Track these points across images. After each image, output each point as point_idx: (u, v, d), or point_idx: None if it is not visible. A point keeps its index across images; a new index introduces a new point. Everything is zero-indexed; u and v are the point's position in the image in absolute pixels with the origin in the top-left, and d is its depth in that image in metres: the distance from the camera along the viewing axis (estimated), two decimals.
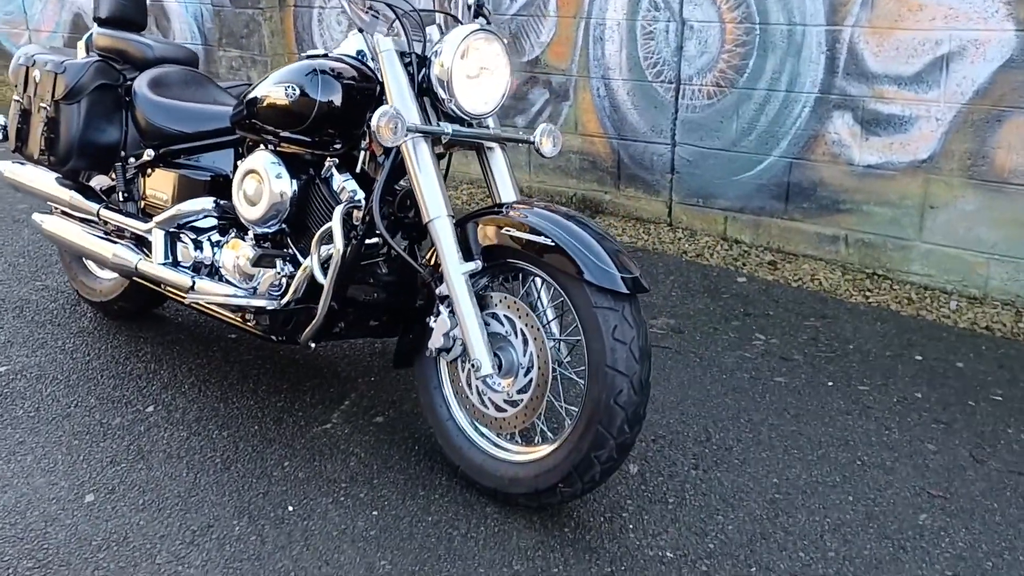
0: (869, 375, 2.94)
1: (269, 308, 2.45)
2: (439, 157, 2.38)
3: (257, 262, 2.48)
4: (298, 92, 2.38)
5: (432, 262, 2.31)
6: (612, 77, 4.33)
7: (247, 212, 2.55)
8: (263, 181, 2.49)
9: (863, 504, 2.29)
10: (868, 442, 2.57)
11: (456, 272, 2.18)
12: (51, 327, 3.29)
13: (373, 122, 2.13)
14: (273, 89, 2.45)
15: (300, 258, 2.54)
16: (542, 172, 4.72)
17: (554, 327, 2.31)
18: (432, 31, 2.38)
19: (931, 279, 3.59)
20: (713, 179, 4.09)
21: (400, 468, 2.44)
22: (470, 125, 2.36)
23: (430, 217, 2.22)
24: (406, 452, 2.52)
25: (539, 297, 2.33)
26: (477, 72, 2.29)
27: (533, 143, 2.48)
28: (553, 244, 2.07)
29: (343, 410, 2.74)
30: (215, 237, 2.77)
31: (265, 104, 2.47)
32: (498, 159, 2.44)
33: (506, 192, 2.41)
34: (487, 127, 2.41)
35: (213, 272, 2.75)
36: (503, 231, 2.17)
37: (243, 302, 2.48)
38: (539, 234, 2.10)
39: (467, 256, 2.21)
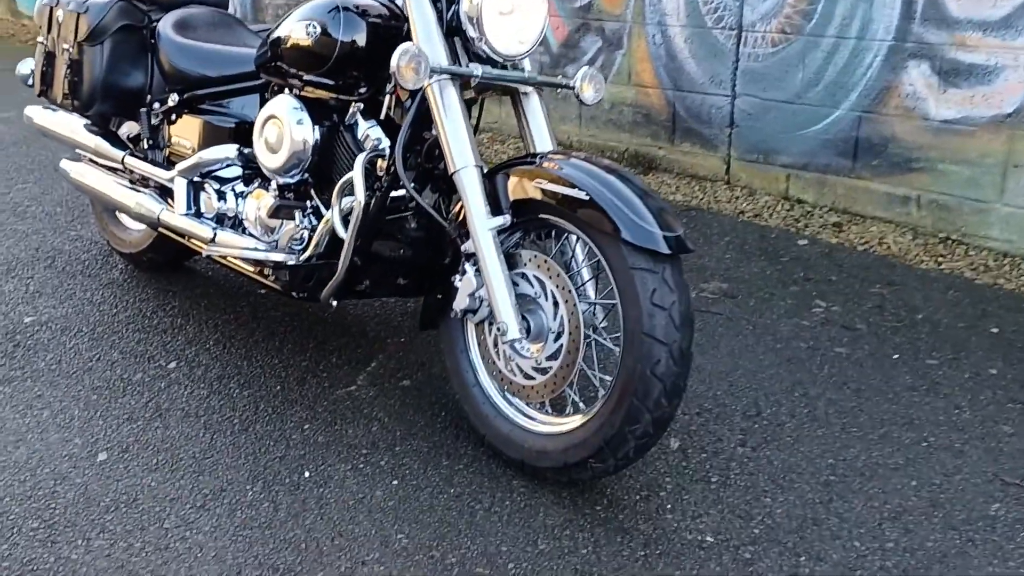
0: (939, 348, 2.70)
1: (289, 263, 2.31)
2: (470, 103, 2.20)
3: (275, 213, 2.34)
4: (319, 31, 2.21)
5: (459, 217, 2.14)
6: (669, 23, 4.06)
7: (267, 160, 2.40)
8: (284, 127, 2.34)
9: (928, 490, 2.07)
10: (936, 421, 2.34)
11: (483, 227, 2.01)
12: (81, 278, 3.22)
13: (393, 61, 1.95)
14: (295, 28, 2.29)
15: (323, 210, 2.40)
16: (592, 125, 4.49)
17: (589, 289, 2.13)
18: None
19: (1011, 245, 3.29)
20: (775, 134, 3.82)
21: (424, 435, 2.30)
22: (504, 68, 2.17)
23: (455, 167, 2.04)
24: (431, 418, 2.37)
25: (573, 256, 2.15)
26: (510, 8, 2.10)
27: (573, 88, 2.28)
28: (588, 198, 1.88)
29: (369, 372, 2.61)
30: (239, 187, 2.64)
31: (287, 44, 2.32)
32: (533, 106, 2.24)
33: (541, 142, 2.22)
34: (522, 70, 2.21)
35: (236, 224, 2.62)
36: (535, 183, 1.99)
37: (261, 256, 2.34)
38: (573, 187, 1.91)
39: (496, 210, 2.03)
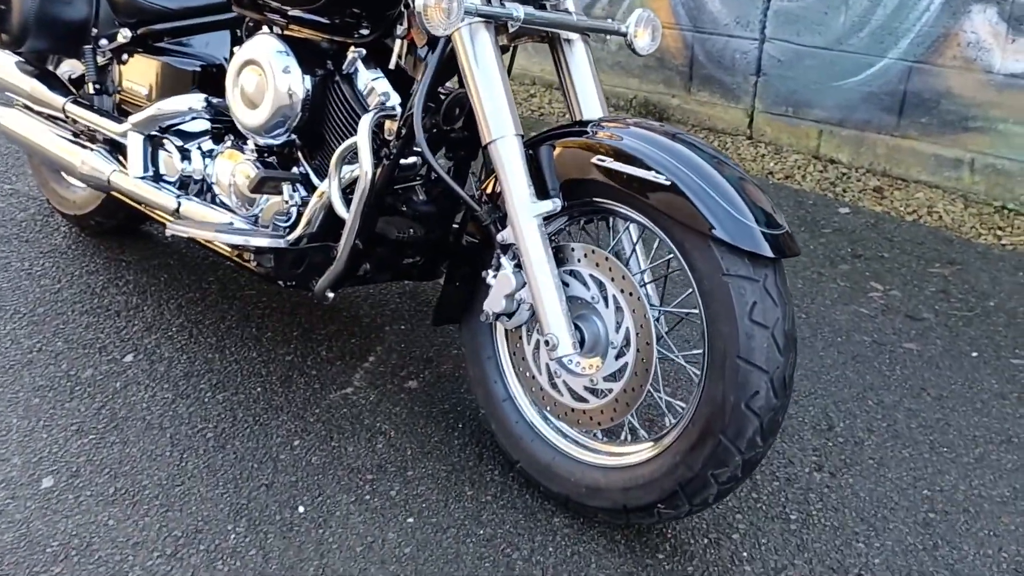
0: (1021, 344, 2.37)
1: (275, 247, 1.88)
2: (502, 51, 1.76)
3: (258, 187, 1.89)
4: None
5: (492, 197, 1.72)
6: None
7: (245, 116, 1.95)
8: (266, 76, 1.89)
9: None
10: None
11: (527, 214, 1.60)
12: (16, 243, 2.74)
13: (419, 1, 1.50)
14: None
15: (315, 180, 1.97)
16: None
17: (651, 291, 1.74)
18: None
19: None
20: (808, 84, 3.42)
21: (440, 455, 1.92)
22: (544, 8, 1.73)
23: (492, 137, 1.62)
24: (447, 432, 1.99)
25: (634, 250, 1.75)
26: None
27: (625, 35, 1.85)
28: (669, 183, 1.48)
29: (367, 369, 2.20)
30: (207, 145, 2.20)
31: None
32: (579, 56, 1.82)
33: (589, 102, 1.80)
34: (567, 11, 1.78)
35: (205, 190, 2.18)
36: (595, 160, 1.57)
37: (239, 239, 1.90)
38: (646, 167, 1.51)
39: (540, 192, 1.62)
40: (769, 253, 1.44)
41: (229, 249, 2.01)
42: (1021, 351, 2.33)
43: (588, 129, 1.64)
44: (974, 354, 2.31)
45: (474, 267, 1.79)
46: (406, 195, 1.96)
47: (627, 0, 3.85)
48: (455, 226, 1.94)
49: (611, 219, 1.71)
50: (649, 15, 1.86)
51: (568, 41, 1.81)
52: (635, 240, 1.74)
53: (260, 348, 2.26)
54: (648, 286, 1.72)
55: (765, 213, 1.47)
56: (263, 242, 1.86)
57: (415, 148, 1.79)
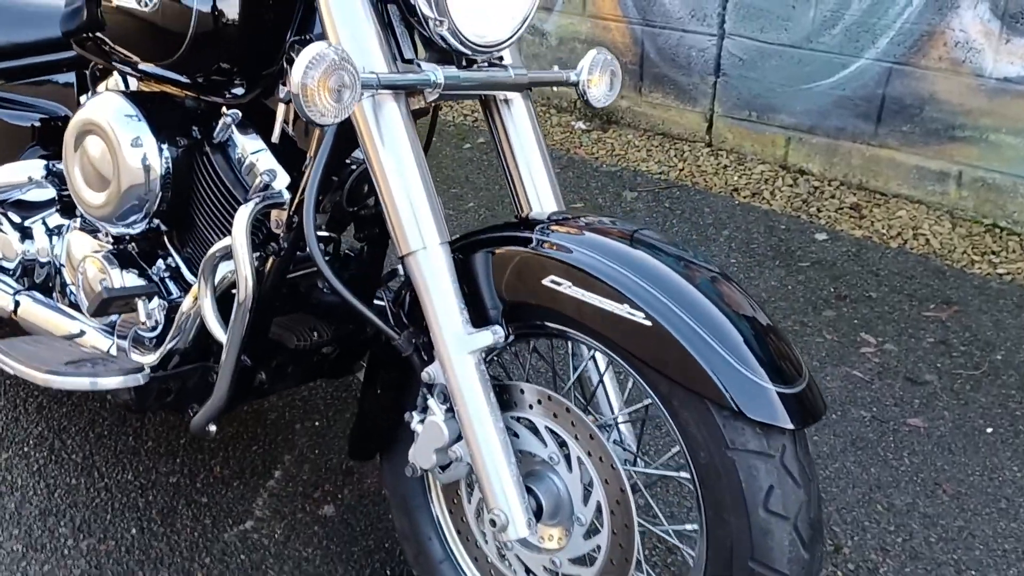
0: None
1: (132, 386, 1.43)
2: (417, 115, 1.33)
3: (100, 310, 1.45)
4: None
5: (410, 313, 1.30)
6: None
7: (89, 199, 1.52)
8: (111, 149, 1.45)
9: None
10: None
11: (460, 349, 1.19)
12: None
13: (295, 78, 1.07)
14: None
15: (187, 274, 1.54)
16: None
17: (627, 434, 1.35)
18: None
19: None
20: (774, 86, 3.05)
21: None
22: (472, 64, 1.30)
23: (408, 249, 1.20)
24: None
25: (601, 382, 1.36)
26: None
27: (576, 84, 1.44)
28: (649, 323, 1.09)
29: (271, 490, 1.79)
30: (54, 220, 1.75)
31: (111, 18, 1.42)
32: (520, 118, 1.40)
33: (537, 180, 1.38)
34: (502, 63, 1.36)
35: (54, 273, 1.73)
36: (546, 283, 1.17)
37: (82, 382, 1.42)
38: (617, 296, 1.11)
39: (476, 315, 1.22)
40: (789, 425, 1.06)
41: None
42: None
43: (535, 234, 1.23)
44: (988, 430, 1.99)
45: (401, 370, 1.38)
46: (306, 286, 1.55)
47: None
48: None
49: (569, 342, 1.32)
50: (605, 58, 1.45)
51: (505, 100, 1.39)
52: (602, 371, 1.35)
53: (138, 465, 1.83)
54: (623, 428, 1.33)
55: (779, 359, 1.09)
56: (114, 383, 1.40)
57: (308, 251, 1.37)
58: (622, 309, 1.10)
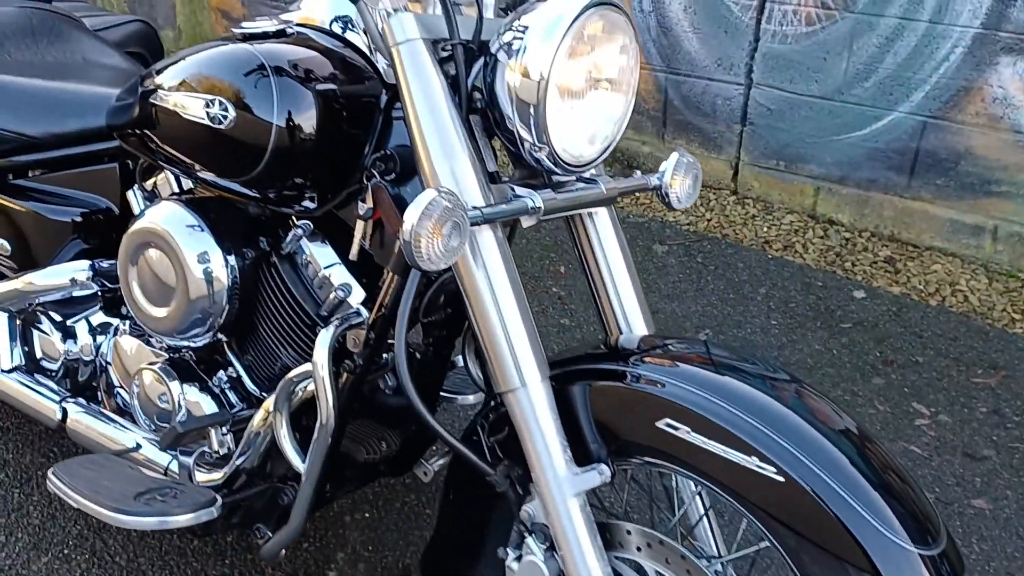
0: None
1: (205, 520, 1.36)
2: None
3: (173, 443, 1.38)
4: (233, 115, 1.24)
5: (503, 445, 1.24)
6: None
7: (150, 311, 1.44)
8: (175, 263, 1.37)
9: None
10: None
11: (566, 491, 1.13)
12: None
13: (408, 224, 1.01)
14: (185, 100, 1.29)
15: (249, 384, 1.48)
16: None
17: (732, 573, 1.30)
18: None
19: None
20: (803, 136, 3.01)
21: None
22: (561, 188, 1.24)
23: (508, 386, 1.14)
24: None
25: (705, 516, 1.30)
26: (586, 85, 1.18)
27: (659, 187, 1.39)
28: (782, 479, 1.03)
29: None
30: (97, 318, 1.66)
31: (171, 123, 1.34)
32: (606, 231, 1.33)
33: (626, 299, 1.32)
34: (592, 179, 1.30)
35: (99, 372, 1.65)
36: (660, 425, 1.11)
37: (150, 521, 1.34)
38: (744, 448, 1.05)
39: (578, 452, 1.16)
40: None
41: None
42: None
43: (629, 367, 1.17)
44: None
45: (487, 498, 1.31)
46: (368, 389, 1.48)
47: None
48: None
49: (675, 477, 1.26)
50: (688, 160, 1.40)
51: (591, 214, 1.33)
52: (705, 508, 1.29)
53: (185, 568, 1.74)
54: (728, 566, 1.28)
55: (918, 517, 1.03)
56: (185, 520, 1.32)
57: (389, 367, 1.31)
58: (751, 462, 1.04)
